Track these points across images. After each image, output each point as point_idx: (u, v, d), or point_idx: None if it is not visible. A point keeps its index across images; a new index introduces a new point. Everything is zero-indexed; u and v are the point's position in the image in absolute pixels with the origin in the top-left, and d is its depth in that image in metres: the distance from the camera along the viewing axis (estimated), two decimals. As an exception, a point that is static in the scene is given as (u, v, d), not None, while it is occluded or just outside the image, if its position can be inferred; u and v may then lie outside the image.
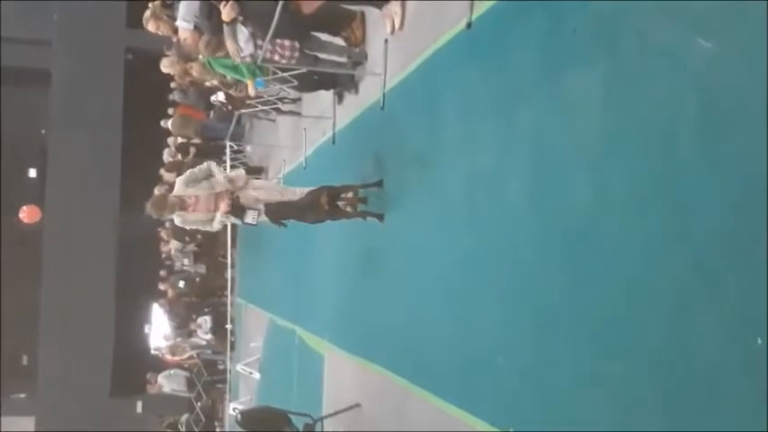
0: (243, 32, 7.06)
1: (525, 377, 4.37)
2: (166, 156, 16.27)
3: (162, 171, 15.88)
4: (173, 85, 15.40)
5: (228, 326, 17.58)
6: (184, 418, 19.36)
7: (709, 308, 2.95)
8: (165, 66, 9.94)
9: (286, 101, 10.90)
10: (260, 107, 10.24)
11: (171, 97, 17.00)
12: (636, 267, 3.41)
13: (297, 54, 7.28)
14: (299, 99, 11.01)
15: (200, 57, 8.35)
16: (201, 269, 19.37)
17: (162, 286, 19.97)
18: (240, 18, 6.95)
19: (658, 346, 3.22)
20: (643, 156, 3.41)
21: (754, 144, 2.75)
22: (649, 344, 3.28)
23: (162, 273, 20.07)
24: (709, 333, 2.94)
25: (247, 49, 7.10)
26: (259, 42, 7.03)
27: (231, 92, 10.57)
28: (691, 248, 3.07)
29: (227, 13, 6.82)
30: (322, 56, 7.97)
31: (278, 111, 11.43)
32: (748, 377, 2.73)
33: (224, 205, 7.28)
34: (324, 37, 7.96)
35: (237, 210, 7.30)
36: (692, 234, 3.06)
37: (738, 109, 2.88)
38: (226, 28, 7.05)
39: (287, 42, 7.12)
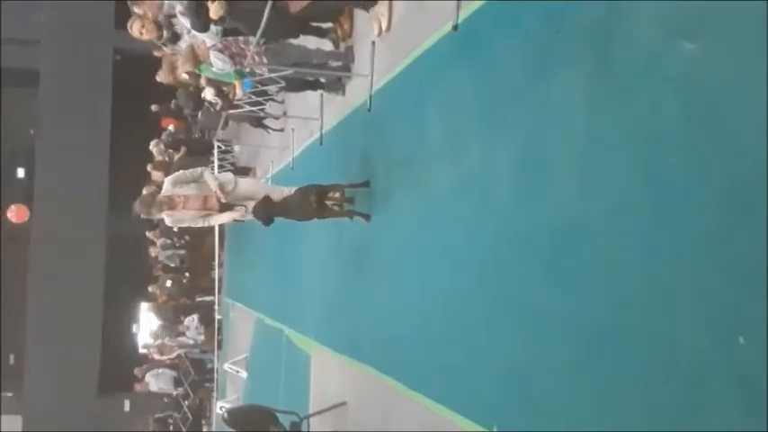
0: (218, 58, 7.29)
1: (512, 377, 4.39)
2: (155, 150, 16.20)
3: (150, 169, 15.79)
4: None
5: (216, 325, 17.63)
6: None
7: (695, 309, 2.98)
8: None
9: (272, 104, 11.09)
10: (247, 107, 10.37)
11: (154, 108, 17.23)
12: (621, 268, 3.44)
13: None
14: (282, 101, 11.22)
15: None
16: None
17: (150, 288, 19.98)
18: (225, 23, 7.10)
19: (644, 347, 3.25)
20: (629, 157, 3.44)
21: (740, 145, 2.81)
22: (634, 344, 3.31)
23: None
24: (694, 334, 2.97)
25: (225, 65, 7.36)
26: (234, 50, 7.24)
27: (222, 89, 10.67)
28: (677, 250, 3.10)
29: (215, 10, 6.85)
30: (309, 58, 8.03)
31: (264, 126, 11.60)
32: (734, 378, 2.77)
33: (219, 207, 7.47)
34: (311, 43, 8.00)
35: (226, 208, 7.44)
36: (679, 235, 3.09)
37: (724, 109, 2.92)
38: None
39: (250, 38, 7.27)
